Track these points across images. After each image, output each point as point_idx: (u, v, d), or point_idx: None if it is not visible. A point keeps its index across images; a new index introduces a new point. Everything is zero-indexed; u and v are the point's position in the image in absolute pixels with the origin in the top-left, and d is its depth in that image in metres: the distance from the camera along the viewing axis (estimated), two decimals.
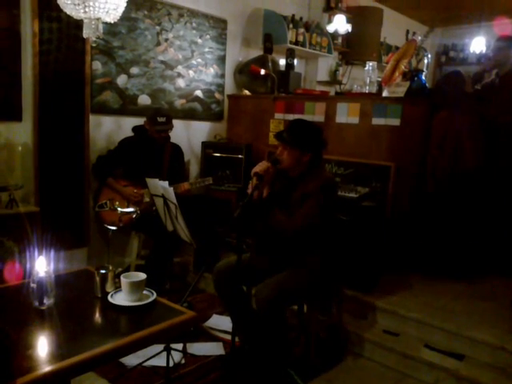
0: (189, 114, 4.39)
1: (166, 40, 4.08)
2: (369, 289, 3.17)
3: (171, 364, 2.50)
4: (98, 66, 3.64)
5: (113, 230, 3.20)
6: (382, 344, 2.82)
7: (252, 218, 2.46)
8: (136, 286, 1.83)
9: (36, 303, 1.72)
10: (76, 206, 3.64)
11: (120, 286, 1.85)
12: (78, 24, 3.17)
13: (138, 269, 3.25)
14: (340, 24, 5.29)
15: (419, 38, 3.99)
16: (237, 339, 2.44)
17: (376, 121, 3.68)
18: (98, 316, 1.82)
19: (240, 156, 4.27)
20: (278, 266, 2.50)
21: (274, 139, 2.67)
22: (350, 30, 5.38)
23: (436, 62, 7.72)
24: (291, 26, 4.87)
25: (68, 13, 2.40)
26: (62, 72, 3.42)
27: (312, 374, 2.64)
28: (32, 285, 1.72)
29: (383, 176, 3.55)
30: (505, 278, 3.48)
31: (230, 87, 4.76)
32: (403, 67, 3.72)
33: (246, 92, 4.67)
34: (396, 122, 3.56)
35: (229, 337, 2.88)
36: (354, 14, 5.55)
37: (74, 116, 3.53)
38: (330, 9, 5.38)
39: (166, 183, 2.79)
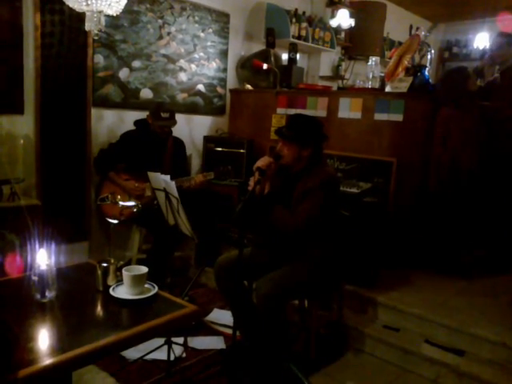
0: (191, 108, 4.38)
1: (169, 33, 4.07)
2: (370, 284, 3.17)
3: (172, 357, 2.51)
4: (99, 59, 3.63)
5: (114, 223, 3.21)
6: (383, 339, 2.83)
7: (253, 213, 2.45)
8: (138, 280, 1.82)
9: (37, 296, 1.71)
10: (77, 199, 3.63)
11: (121, 280, 1.85)
12: (80, 17, 3.14)
13: (139, 263, 3.25)
14: (343, 19, 5.26)
15: (422, 33, 3.96)
16: (237, 333, 2.44)
17: (378, 116, 3.67)
18: (99, 309, 1.82)
19: (242, 151, 4.26)
20: (278, 261, 2.51)
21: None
22: (353, 24, 5.36)
23: (439, 57, 7.68)
24: (294, 20, 4.84)
25: (70, 5, 2.39)
26: (64, 65, 3.41)
27: (312, 369, 2.64)
28: (33, 278, 1.71)
29: (385, 171, 3.54)
30: (505, 276, 3.48)
31: (232, 81, 4.75)
32: (406, 62, 3.70)
33: (248, 86, 4.65)
34: (398, 117, 3.55)
35: (229, 331, 2.89)
36: (357, 9, 5.52)
37: (75, 109, 3.53)
38: (333, 3, 5.36)
39: (167, 177, 2.79)
